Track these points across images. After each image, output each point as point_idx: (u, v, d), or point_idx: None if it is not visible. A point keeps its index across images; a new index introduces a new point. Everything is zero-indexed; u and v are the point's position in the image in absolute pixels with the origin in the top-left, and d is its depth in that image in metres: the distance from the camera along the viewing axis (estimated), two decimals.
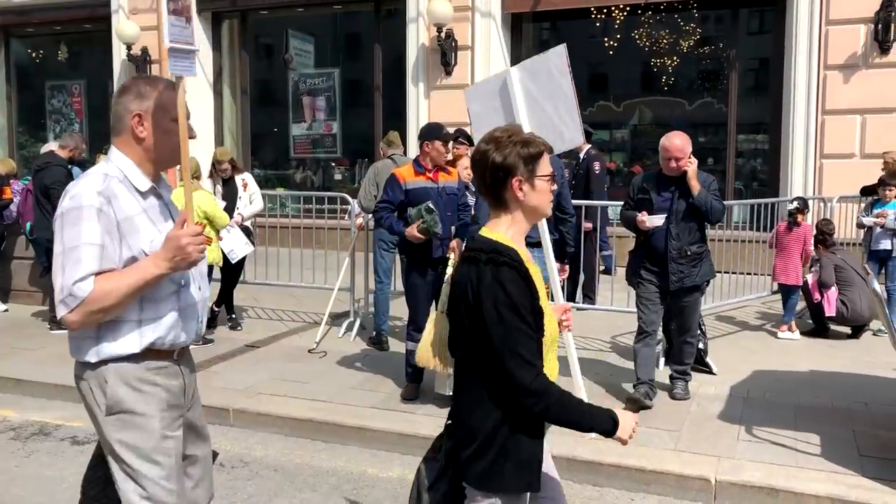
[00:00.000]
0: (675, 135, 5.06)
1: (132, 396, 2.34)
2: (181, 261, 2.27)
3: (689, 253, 5.04)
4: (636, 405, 4.98)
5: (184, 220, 2.30)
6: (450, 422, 2.32)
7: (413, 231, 5.12)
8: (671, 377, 5.39)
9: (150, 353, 2.37)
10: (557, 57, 3.70)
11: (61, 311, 2.23)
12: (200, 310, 2.52)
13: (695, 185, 4.99)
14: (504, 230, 2.26)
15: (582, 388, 3.23)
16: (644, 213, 5.11)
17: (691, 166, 5.01)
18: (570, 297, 8.04)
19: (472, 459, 2.16)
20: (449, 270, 5.21)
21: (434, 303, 5.25)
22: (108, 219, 2.27)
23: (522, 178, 2.21)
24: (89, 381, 2.36)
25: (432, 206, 5.12)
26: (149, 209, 2.39)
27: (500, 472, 2.14)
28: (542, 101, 3.76)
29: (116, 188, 2.32)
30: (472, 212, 5.80)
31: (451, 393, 5.13)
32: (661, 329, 5.47)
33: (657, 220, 5.07)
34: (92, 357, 2.33)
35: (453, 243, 5.27)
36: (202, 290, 2.54)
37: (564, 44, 3.68)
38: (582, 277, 8.10)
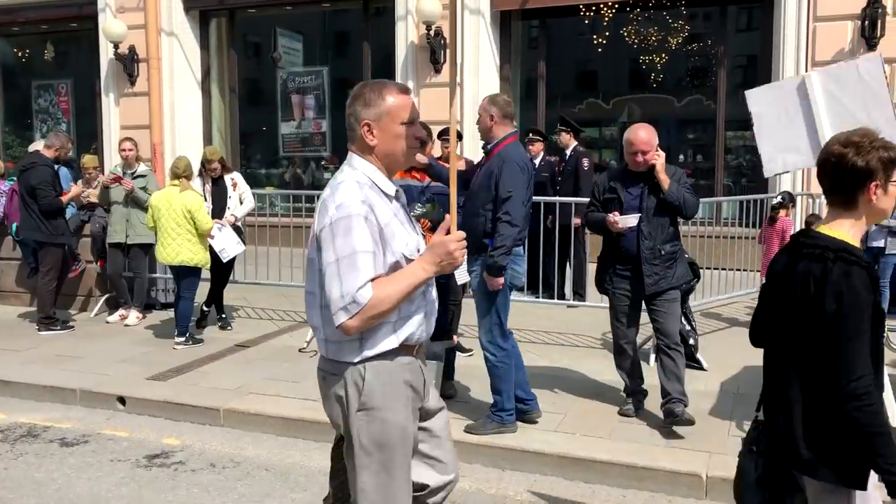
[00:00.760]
0: (639, 127, 4.70)
1: (383, 391, 2.43)
2: (448, 265, 2.41)
3: (662, 252, 4.70)
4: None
5: (448, 226, 2.46)
6: (758, 414, 2.44)
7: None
8: (670, 400, 4.70)
9: (402, 348, 2.46)
10: (871, 64, 3.89)
11: (341, 318, 2.29)
12: (436, 307, 2.64)
13: (664, 180, 4.63)
14: (847, 229, 2.28)
15: (890, 393, 3.14)
16: (615, 213, 4.70)
17: (659, 159, 4.64)
18: (560, 294, 8.06)
19: (802, 453, 2.22)
20: None
21: None
22: (372, 226, 2.34)
23: (880, 182, 2.25)
24: (345, 376, 2.43)
25: (426, 201, 5.15)
26: (397, 212, 2.48)
27: (833, 463, 2.19)
28: (851, 105, 3.91)
29: (370, 195, 2.39)
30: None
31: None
32: (637, 338, 5.11)
33: (631, 220, 4.65)
34: (354, 357, 2.42)
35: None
36: (434, 289, 2.64)
37: (879, 52, 3.88)
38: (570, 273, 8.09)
